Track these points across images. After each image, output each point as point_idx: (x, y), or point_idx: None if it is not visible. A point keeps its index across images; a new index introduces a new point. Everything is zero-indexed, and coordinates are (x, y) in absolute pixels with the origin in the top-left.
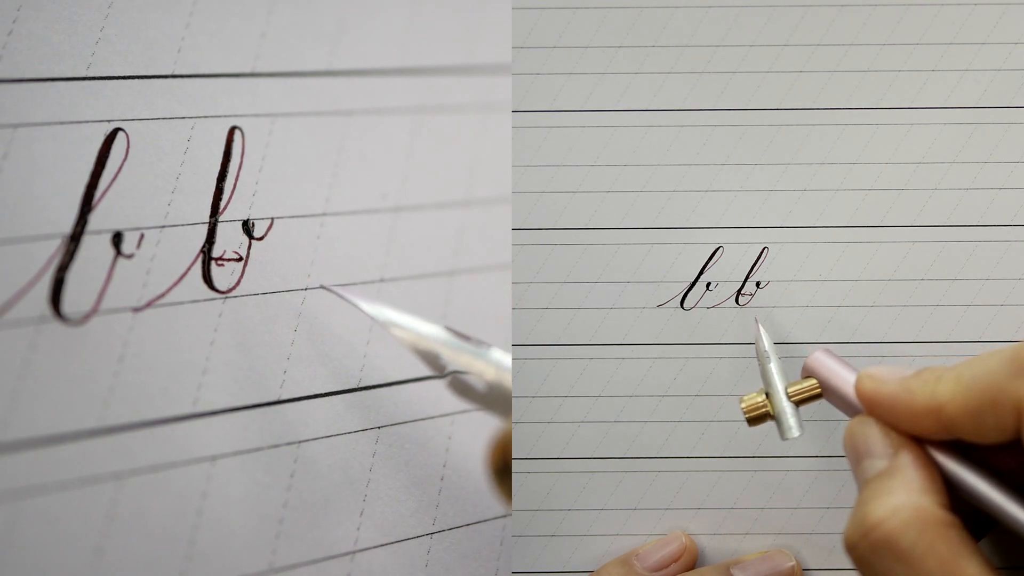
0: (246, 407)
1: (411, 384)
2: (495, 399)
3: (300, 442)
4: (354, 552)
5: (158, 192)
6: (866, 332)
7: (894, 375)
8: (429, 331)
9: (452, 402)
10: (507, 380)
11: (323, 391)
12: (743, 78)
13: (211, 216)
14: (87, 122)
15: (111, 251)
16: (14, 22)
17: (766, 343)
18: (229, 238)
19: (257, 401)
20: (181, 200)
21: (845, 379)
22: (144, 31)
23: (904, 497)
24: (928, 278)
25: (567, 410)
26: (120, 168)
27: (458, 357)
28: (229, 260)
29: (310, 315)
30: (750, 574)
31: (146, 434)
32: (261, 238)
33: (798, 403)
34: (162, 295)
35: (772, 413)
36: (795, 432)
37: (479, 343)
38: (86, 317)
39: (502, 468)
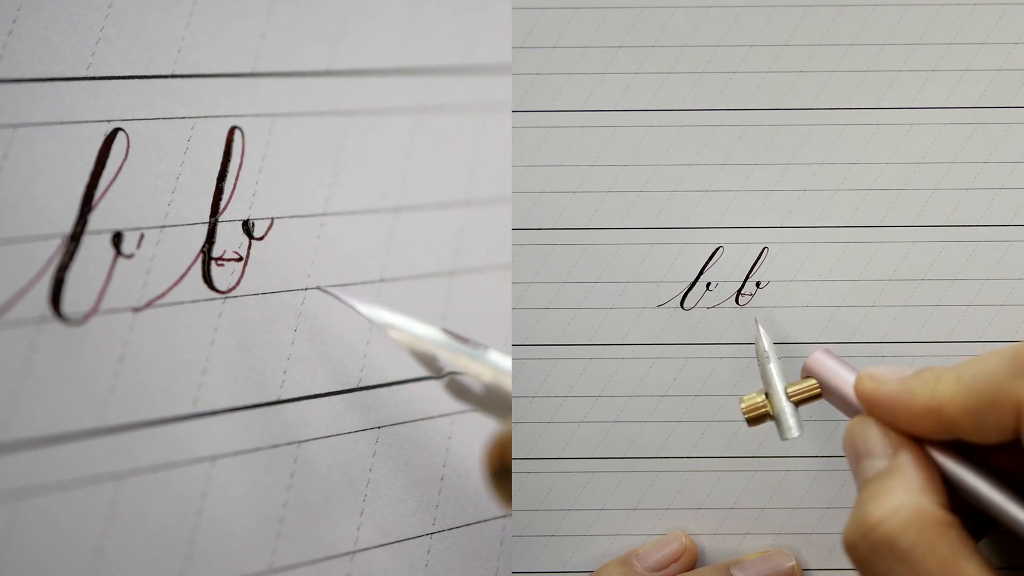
0: (246, 407)
1: (411, 384)
2: (492, 401)
3: (300, 442)
4: (354, 552)
5: (158, 192)
6: (866, 332)
7: (894, 375)
8: (426, 333)
9: (452, 402)
10: (504, 382)
11: (323, 391)
12: (743, 78)
13: (211, 216)
14: (87, 122)
15: (111, 251)
16: (14, 22)
17: (766, 343)
18: (229, 238)
19: (257, 401)
20: (181, 200)
21: (845, 379)
22: (144, 31)
23: (904, 497)
24: (928, 278)
25: (567, 410)
26: (120, 168)
27: (455, 359)
28: (229, 260)
29: (310, 315)
30: (750, 574)
31: (146, 434)
32: (261, 238)
33: (798, 403)
34: (162, 295)
35: (772, 413)
36: (795, 432)
37: (476, 345)
38: (86, 317)
39: (499, 470)
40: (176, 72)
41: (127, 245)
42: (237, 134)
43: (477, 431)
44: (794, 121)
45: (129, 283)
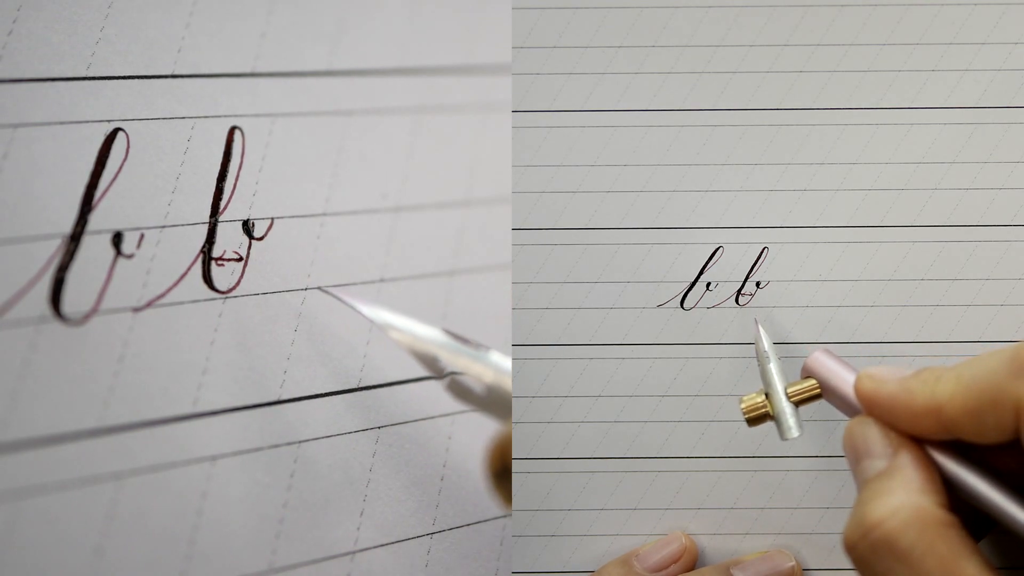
0: (246, 407)
1: (411, 384)
2: (493, 402)
3: (300, 442)
4: (354, 552)
5: (158, 192)
6: (866, 332)
7: (894, 375)
8: (427, 334)
9: (452, 402)
10: (506, 383)
11: (323, 391)
12: (743, 78)
13: (211, 216)
14: (87, 122)
15: (111, 251)
16: (14, 22)
17: (766, 343)
18: (229, 238)
19: (257, 401)
20: (181, 200)
21: (845, 379)
22: (144, 31)
23: (904, 497)
24: (928, 278)
25: (567, 410)
26: (120, 168)
27: (456, 360)
28: (229, 260)
29: (310, 315)
30: (750, 574)
31: (146, 434)
32: (261, 238)
33: (798, 403)
34: (162, 295)
35: (772, 413)
36: (795, 432)
37: (478, 346)
38: (86, 317)
39: (500, 471)
40: (176, 72)
41: (127, 245)
42: (237, 134)
43: (477, 431)
44: (794, 121)
45: (129, 283)
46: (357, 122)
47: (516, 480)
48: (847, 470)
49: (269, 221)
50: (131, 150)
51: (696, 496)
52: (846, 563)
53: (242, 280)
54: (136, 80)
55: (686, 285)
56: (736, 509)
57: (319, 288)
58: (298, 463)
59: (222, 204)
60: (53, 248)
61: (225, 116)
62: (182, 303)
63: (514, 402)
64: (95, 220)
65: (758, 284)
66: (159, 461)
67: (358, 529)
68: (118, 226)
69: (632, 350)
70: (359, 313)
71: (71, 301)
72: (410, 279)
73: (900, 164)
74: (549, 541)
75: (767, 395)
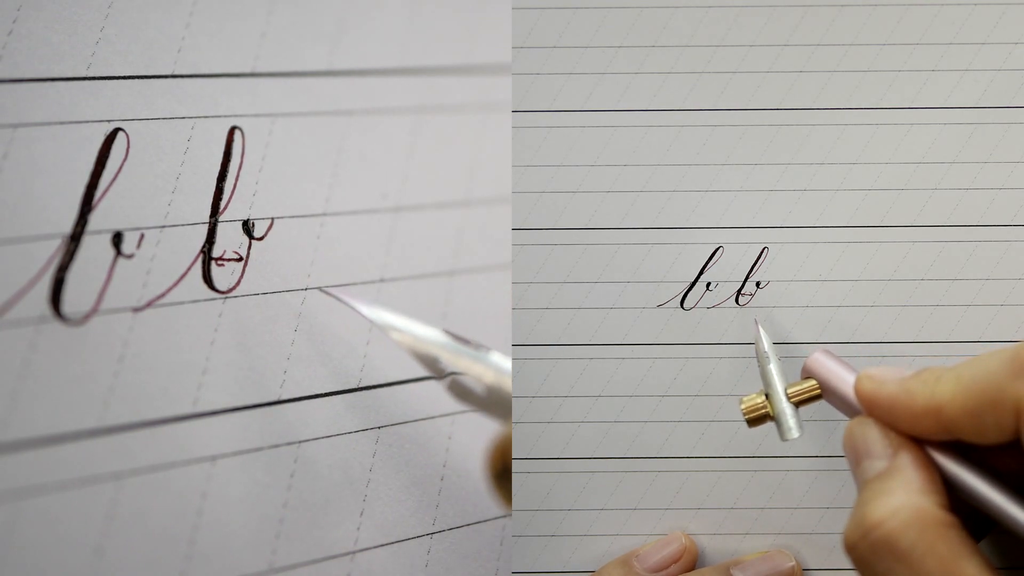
0: (246, 407)
1: (411, 384)
2: (494, 402)
3: (300, 442)
4: (354, 552)
5: (158, 192)
6: (866, 332)
7: (893, 376)
8: (428, 334)
9: (452, 402)
10: (506, 384)
11: (323, 391)
12: (743, 78)
13: (211, 216)
14: (87, 122)
15: (111, 251)
16: (14, 22)
17: (766, 344)
18: (229, 238)
19: (257, 401)
20: (181, 200)
21: (845, 380)
22: (144, 31)
23: (904, 498)
24: (928, 278)
25: (567, 410)
26: (120, 168)
27: (457, 360)
28: (229, 260)
29: (310, 315)
30: (750, 574)
31: (146, 434)
32: (261, 238)
33: (798, 404)
34: (162, 295)
35: (772, 414)
36: (795, 433)
37: (478, 346)
38: (86, 317)
39: (501, 472)
40: (176, 72)
41: (127, 245)
42: (237, 134)
43: (477, 431)
44: (794, 121)
45: (129, 283)
46: (357, 122)
47: (516, 480)
48: (847, 470)
49: (269, 221)
50: (131, 150)
51: (696, 496)
52: (846, 563)
53: (242, 280)
54: (136, 80)
55: (686, 285)
56: (736, 509)
57: (319, 288)
58: (298, 463)
59: (222, 204)
60: (53, 248)
61: (225, 116)
62: (182, 303)
63: (514, 402)
64: (95, 220)
65: (758, 284)
66: (159, 461)
67: (358, 529)
68: (118, 226)
69: (632, 350)
70: (359, 314)
71: (71, 301)
72: (410, 279)
73: (900, 164)
74: (549, 541)
75: (767, 395)
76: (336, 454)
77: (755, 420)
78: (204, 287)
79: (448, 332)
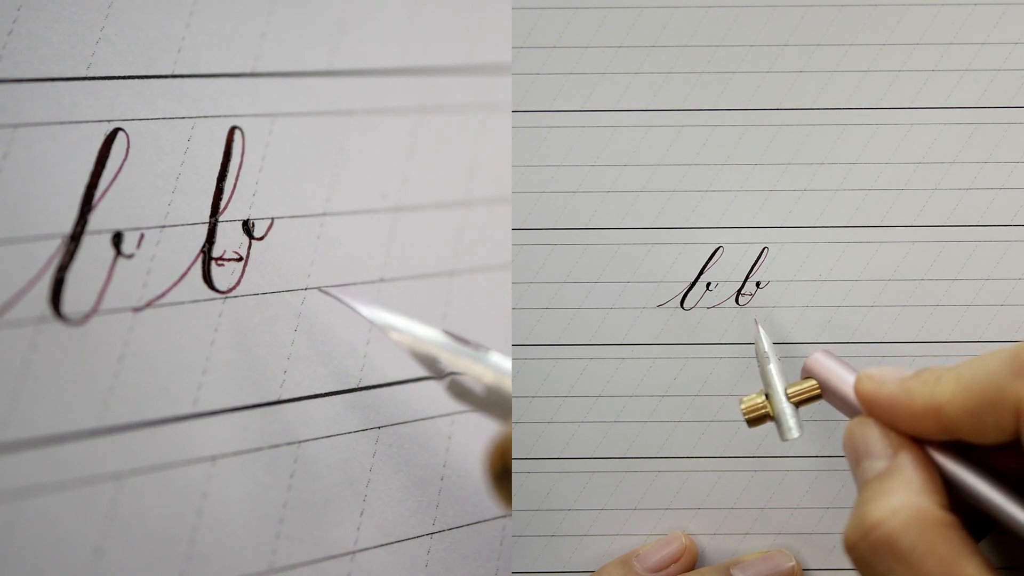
0: (246, 407)
1: (411, 384)
2: (493, 403)
3: (300, 442)
4: (354, 552)
5: (158, 192)
6: (866, 332)
7: (893, 376)
8: (427, 335)
9: (452, 402)
10: (506, 384)
11: (323, 391)
12: (743, 78)
13: (211, 216)
14: (87, 122)
15: (111, 251)
16: (14, 22)
17: (765, 344)
18: (229, 238)
19: (257, 401)
20: (181, 200)
21: (845, 380)
22: (144, 31)
23: (904, 497)
24: (928, 278)
25: (567, 410)
26: (120, 168)
27: (457, 361)
28: (229, 260)
29: (310, 315)
30: (750, 574)
31: (146, 434)
32: (261, 238)
33: (798, 404)
34: (162, 295)
35: (772, 414)
36: (795, 433)
37: (478, 347)
38: (86, 317)
39: (501, 472)
40: (176, 72)
41: (127, 245)
42: (237, 134)
43: (477, 431)
44: (794, 121)
45: (129, 283)
46: (357, 122)
47: (516, 480)
48: (847, 470)
49: (269, 221)
50: (131, 150)
51: (696, 496)
52: (846, 563)
53: (242, 280)
54: (136, 80)
55: (686, 285)
56: (736, 509)
57: (318, 289)
58: (298, 463)
59: (222, 204)
60: (53, 248)
61: (225, 116)
62: (182, 303)
63: (514, 402)
64: (95, 220)
65: (758, 284)
66: (159, 461)
67: (358, 529)
68: (118, 226)
69: (632, 350)
70: (359, 314)
71: (71, 301)
72: (410, 279)
73: (900, 164)
74: (549, 541)
75: (767, 396)
76: (336, 454)
77: (755, 420)
78: (204, 287)
79: (448, 332)
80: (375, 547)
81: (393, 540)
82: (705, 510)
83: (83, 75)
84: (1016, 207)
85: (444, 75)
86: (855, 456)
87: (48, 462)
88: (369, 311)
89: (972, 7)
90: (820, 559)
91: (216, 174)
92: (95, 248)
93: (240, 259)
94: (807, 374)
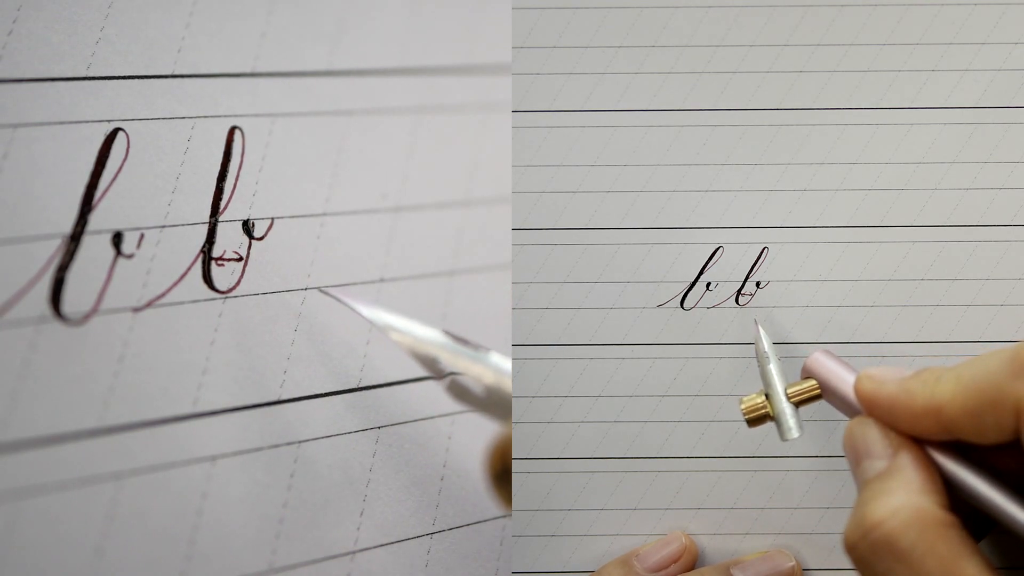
0: (246, 407)
1: (411, 384)
2: (493, 403)
3: (300, 442)
4: (354, 552)
5: (158, 192)
6: (866, 332)
7: (893, 376)
8: (427, 335)
9: (452, 402)
10: (506, 384)
11: (323, 391)
12: (743, 78)
13: (211, 216)
14: (87, 122)
15: (111, 251)
16: (14, 22)
17: (765, 344)
18: (229, 238)
19: (257, 401)
20: (181, 200)
21: (845, 380)
22: (144, 31)
23: (904, 497)
24: (928, 278)
25: (567, 410)
26: (120, 168)
27: (456, 361)
28: (229, 260)
29: (310, 315)
30: (750, 574)
31: (146, 434)
32: (261, 238)
33: (798, 404)
34: (162, 295)
35: (772, 414)
36: (795, 433)
37: (478, 347)
38: (86, 317)
39: (501, 473)
40: (176, 72)
41: (127, 245)
42: (237, 134)
43: (477, 431)
44: (794, 121)
45: (129, 283)
46: (357, 122)
47: (516, 480)
48: (847, 470)
49: (269, 221)
50: (131, 150)
51: (696, 496)
52: (846, 563)
53: (242, 280)
54: (136, 80)
55: (686, 285)
56: (736, 509)
57: (318, 289)
58: (298, 463)
59: (222, 204)
60: (53, 248)
61: (225, 116)
62: (182, 303)
63: (514, 402)
64: (95, 220)
65: (758, 284)
66: (159, 461)
67: (358, 529)
68: (118, 226)
69: (632, 350)
70: (359, 315)
71: (71, 301)
72: (410, 279)
73: (900, 164)
74: (549, 541)
75: (767, 396)
76: (336, 454)
77: (755, 420)
78: (204, 287)
79: (447, 333)
80: (375, 547)
81: (393, 540)
82: (705, 510)
83: (83, 75)
84: (1016, 207)
85: (444, 75)
86: (855, 456)
87: (48, 462)
88: (369, 311)
89: (972, 7)
90: (820, 559)
91: (216, 174)
92: (95, 248)
93: (240, 259)
94: (807, 374)
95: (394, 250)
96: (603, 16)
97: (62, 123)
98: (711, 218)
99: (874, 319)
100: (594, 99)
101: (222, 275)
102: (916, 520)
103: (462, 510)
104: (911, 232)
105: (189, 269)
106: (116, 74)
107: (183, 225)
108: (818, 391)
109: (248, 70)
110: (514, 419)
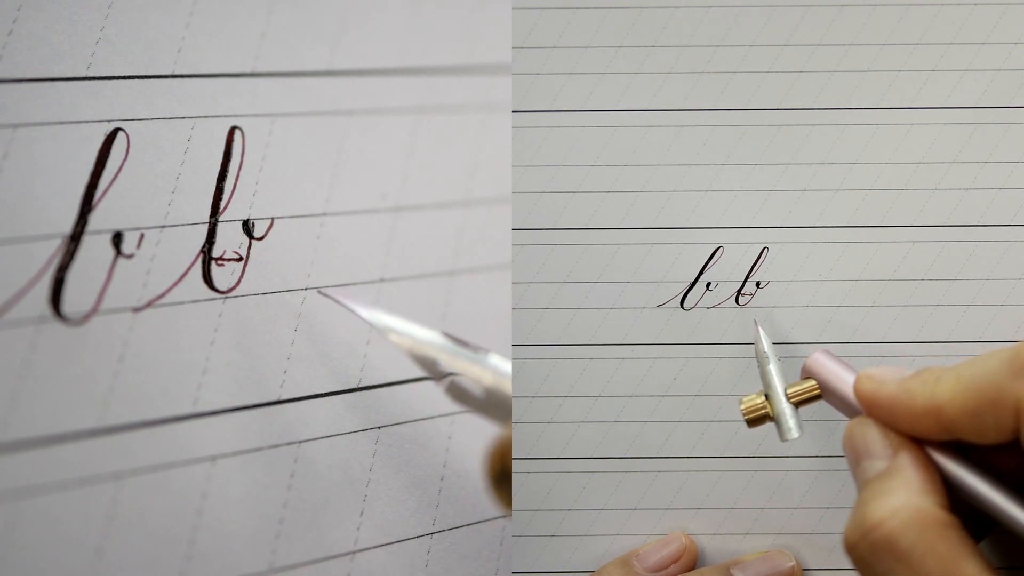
0: (246, 407)
1: (411, 384)
2: (493, 404)
3: (300, 442)
4: (354, 552)
5: (158, 192)
6: (866, 332)
7: (893, 376)
8: (427, 336)
9: (452, 403)
10: (505, 386)
11: (323, 391)
12: (743, 78)
13: (211, 216)
14: (87, 122)
15: (111, 251)
16: (14, 22)
17: (765, 344)
18: (229, 238)
19: (257, 401)
20: (181, 200)
21: (844, 380)
22: (144, 31)
23: (904, 498)
24: (928, 278)
25: (567, 410)
26: (120, 168)
27: (456, 362)
28: (229, 260)
29: (310, 315)
30: (750, 574)
31: (146, 434)
32: (261, 238)
33: (797, 404)
34: (162, 295)
35: (771, 414)
36: (794, 433)
37: (477, 348)
38: (86, 317)
39: (500, 475)
40: (176, 72)
41: (127, 245)
42: (237, 134)
43: (477, 431)
44: (794, 121)
45: (129, 283)
46: (357, 122)
47: (516, 480)
48: (847, 470)
49: (269, 221)
50: (131, 150)
51: (696, 496)
52: (846, 563)
53: (242, 280)
54: (136, 80)
55: (686, 285)
56: (736, 509)
57: (318, 291)
58: (298, 463)
59: (222, 204)
60: (53, 248)
61: (225, 116)
62: (182, 303)
63: (514, 402)
64: (95, 220)
65: (758, 284)
66: (159, 461)
67: (358, 529)
68: (118, 226)
69: (632, 350)
70: (358, 317)
71: (71, 301)
72: (410, 279)
73: (900, 164)
74: (549, 541)
75: (767, 396)
76: (336, 454)
77: (755, 420)
78: (204, 287)
79: (447, 334)
80: (375, 547)
81: (393, 540)
82: (705, 510)
83: (83, 75)
84: (1016, 207)
85: (444, 75)
86: (855, 456)
87: (48, 462)
88: (368, 313)
89: (972, 7)
90: (820, 559)
91: (216, 174)
92: (95, 248)
93: (240, 259)
94: (807, 374)
95: (394, 250)
96: (603, 16)
97: (62, 123)
98: (711, 218)
99: (874, 319)
100: (594, 99)
101: (222, 275)
102: (916, 520)
103: (462, 510)
104: (911, 232)
105: (189, 269)
106: (116, 74)
107: (183, 225)
108: (818, 391)
109: (248, 70)
110: (514, 419)
